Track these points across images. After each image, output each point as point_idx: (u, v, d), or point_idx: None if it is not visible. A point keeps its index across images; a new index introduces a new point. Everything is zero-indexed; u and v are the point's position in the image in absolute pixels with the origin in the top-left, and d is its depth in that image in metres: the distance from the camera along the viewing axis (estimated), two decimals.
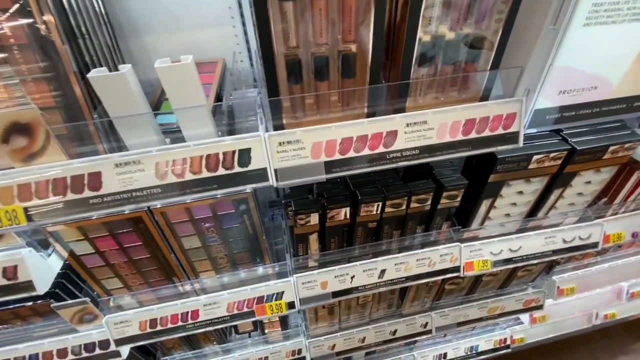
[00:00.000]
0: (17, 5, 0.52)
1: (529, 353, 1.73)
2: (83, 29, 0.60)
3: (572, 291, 1.37)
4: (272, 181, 0.65)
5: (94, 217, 0.66)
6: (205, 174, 0.62)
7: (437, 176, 0.89)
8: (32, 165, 0.58)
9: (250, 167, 0.64)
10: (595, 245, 1.11)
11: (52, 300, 0.83)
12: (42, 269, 0.76)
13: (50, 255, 0.79)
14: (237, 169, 0.63)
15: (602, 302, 1.57)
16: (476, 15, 0.60)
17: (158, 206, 0.71)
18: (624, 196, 1.09)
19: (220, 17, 0.84)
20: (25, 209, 0.59)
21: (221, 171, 0.63)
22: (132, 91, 0.56)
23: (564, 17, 0.58)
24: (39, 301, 0.84)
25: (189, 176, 0.62)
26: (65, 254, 0.76)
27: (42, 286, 0.75)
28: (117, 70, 0.55)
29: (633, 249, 1.44)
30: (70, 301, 0.83)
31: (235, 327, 1.24)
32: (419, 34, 0.60)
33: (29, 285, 0.73)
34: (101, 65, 0.64)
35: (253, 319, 0.97)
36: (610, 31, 0.62)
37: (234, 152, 0.62)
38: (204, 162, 0.62)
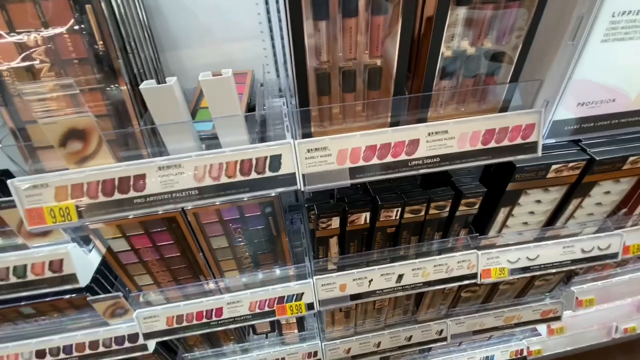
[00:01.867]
0: (80, 25, 0.58)
1: None
2: (133, 44, 0.66)
3: (591, 303, 1.36)
4: (300, 185, 0.69)
5: (132, 216, 0.72)
6: (239, 177, 0.67)
7: (456, 183, 0.91)
8: (84, 167, 0.63)
9: (280, 172, 0.68)
10: (614, 255, 1.10)
11: (88, 294, 0.89)
12: (84, 263, 0.82)
13: (91, 251, 0.84)
14: (268, 174, 0.68)
15: (622, 314, 1.54)
16: (497, 33, 0.63)
17: (190, 207, 0.76)
18: None
19: (250, 32, 0.90)
20: (77, 207, 0.64)
21: (253, 175, 0.67)
22: (177, 101, 0.61)
23: (582, 34, 0.60)
24: (74, 294, 0.90)
25: (224, 179, 0.67)
26: (104, 250, 0.81)
27: (84, 279, 0.81)
28: (163, 81, 0.60)
29: None
30: (104, 295, 0.88)
31: (253, 327, 1.28)
32: (442, 49, 0.63)
33: (72, 278, 0.79)
34: (147, 77, 0.70)
35: (273, 319, 1.01)
36: (628, 47, 0.64)
37: (265, 157, 0.67)
38: (238, 166, 0.66)
